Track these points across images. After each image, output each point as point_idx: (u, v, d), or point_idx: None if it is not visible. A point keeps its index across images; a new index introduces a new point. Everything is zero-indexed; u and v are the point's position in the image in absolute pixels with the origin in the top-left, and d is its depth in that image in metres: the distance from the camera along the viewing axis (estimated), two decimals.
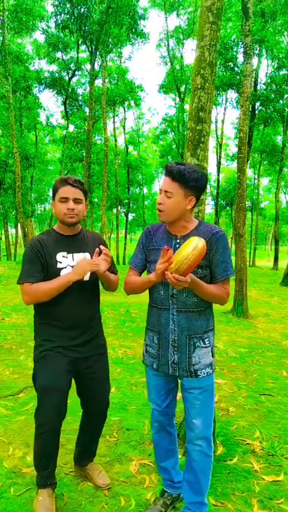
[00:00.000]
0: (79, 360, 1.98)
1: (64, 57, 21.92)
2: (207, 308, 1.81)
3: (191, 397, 1.79)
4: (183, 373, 1.78)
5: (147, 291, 1.88)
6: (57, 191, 1.95)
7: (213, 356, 1.83)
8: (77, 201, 1.94)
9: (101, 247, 1.98)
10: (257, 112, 17.74)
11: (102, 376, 2.08)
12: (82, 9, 14.14)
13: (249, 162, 24.01)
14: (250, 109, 13.92)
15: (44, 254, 1.93)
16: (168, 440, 1.99)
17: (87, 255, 2.01)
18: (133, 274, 1.90)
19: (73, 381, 2.04)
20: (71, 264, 1.96)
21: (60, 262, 1.94)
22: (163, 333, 1.80)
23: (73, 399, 2.18)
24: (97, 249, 1.98)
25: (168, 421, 1.96)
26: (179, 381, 1.87)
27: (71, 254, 1.98)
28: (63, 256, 1.96)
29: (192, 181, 1.66)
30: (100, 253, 1.98)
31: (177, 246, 1.76)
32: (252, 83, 15.87)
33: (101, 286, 2.13)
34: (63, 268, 1.94)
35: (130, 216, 32.50)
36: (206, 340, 1.79)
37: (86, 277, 1.96)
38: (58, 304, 1.93)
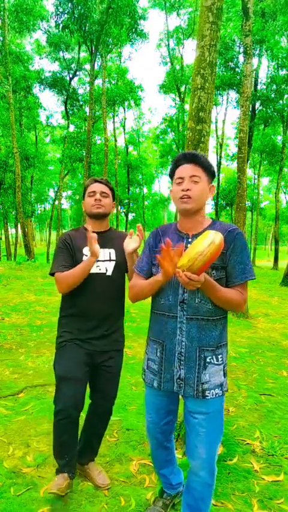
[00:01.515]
0: (96, 353, 2.05)
1: (66, 56, 21.94)
2: (223, 318, 1.62)
3: (195, 423, 1.59)
4: (189, 391, 1.57)
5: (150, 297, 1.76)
6: (87, 189, 2.12)
7: (225, 375, 1.63)
8: (103, 194, 2.08)
9: (139, 225, 2.00)
10: (257, 112, 17.75)
11: (115, 372, 2.14)
12: (82, 9, 14.13)
13: (249, 162, 24.01)
14: (250, 109, 13.92)
15: (72, 246, 2.06)
16: (166, 454, 1.89)
17: (112, 251, 2.10)
18: (138, 278, 1.75)
19: None
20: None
21: (86, 256, 2.03)
22: (168, 344, 1.61)
23: None
24: (131, 230, 2.04)
25: (166, 438, 1.83)
26: (182, 400, 1.71)
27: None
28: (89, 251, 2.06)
29: (211, 168, 1.61)
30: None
31: (188, 246, 1.60)
32: (252, 83, 15.87)
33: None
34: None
35: (130, 216, 32.51)
36: (219, 356, 1.59)
37: (109, 272, 2.06)
38: (79, 297, 2.04)
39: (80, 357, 2.01)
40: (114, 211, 2.19)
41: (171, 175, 1.67)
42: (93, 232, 2.10)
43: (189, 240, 1.62)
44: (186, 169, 1.59)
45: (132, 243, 1.99)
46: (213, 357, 1.57)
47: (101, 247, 2.05)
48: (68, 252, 2.05)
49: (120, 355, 2.18)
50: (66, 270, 2.00)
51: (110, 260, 2.08)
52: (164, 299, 1.63)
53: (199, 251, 1.34)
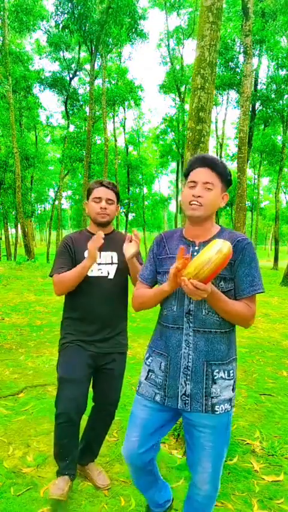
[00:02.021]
0: (98, 355, 2.04)
1: (67, 55, 21.95)
2: (231, 331, 1.52)
3: (199, 436, 1.49)
4: (196, 407, 1.46)
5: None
6: (92, 192, 2.08)
7: (234, 390, 1.53)
8: (109, 201, 2.06)
9: (134, 230, 2.01)
10: (257, 112, 17.75)
11: (117, 374, 2.12)
12: (82, 9, 14.13)
13: (249, 162, 24.00)
14: (250, 109, 13.92)
15: (73, 250, 2.05)
16: (150, 479, 1.69)
17: (114, 254, 2.09)
18: (142, 287, 1.64)
19: None
20: (97, 261, 2.04)
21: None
22: (173, 358, 1.50)
23: None
24: (128, 235, 2.02)
25: (145, 464, 1.60)
26: (183, 415, 1.56)
27: (99, 252, 2.04)
28: None
29: (228, 175, 1.52)
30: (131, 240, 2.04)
31: (194, 254, 1.50)
32: (252, 83, 15.87)
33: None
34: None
35: (130, 216, 32.51)
36: (231, 372, 1.50)
37: (111, 276, 2.05)
38: (81, 300, 2.03)
39: (82, 359, 2.00)
40: (117, 213, 2.18)
41: (186, 177, 1.58)
42: (94, 235, 2.10)
43: (196, 248, 1.52)
44: (201, 174, 1.50)
45: (130, 248, 1.97)
46: (223, 371, 1.48)
47: (103, 250, 2.05)
48: (68, 255, 2.05)
49: (123, 358, 2.16)
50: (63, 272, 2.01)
51: (112, 263, 2.08)
52: (167, 310, 1.53)
53: (206, 259, 1.27)
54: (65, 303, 2.14)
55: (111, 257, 2.08)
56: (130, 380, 3.82)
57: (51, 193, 41.78)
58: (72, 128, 24.75)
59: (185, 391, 1.47)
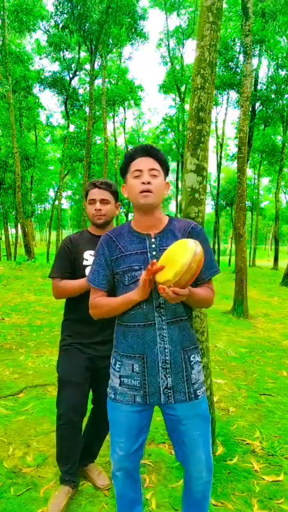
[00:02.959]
0: (97, 358, 2.04)
1: (67, 55, 21.94)
2: (192, 312, 1.59)
3: (188, 430, 1.49)
4: (180, 397, 1.47)
5: None
6: (87, 194, 2.08)
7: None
8: (103, 201, 2.04)
9: None
10: (257, 112, 17.74)
11: None
12: (82, 9, 14.13)
13: (249, 162, 24.02)
14: (250, 109, 13.92)
15: (72, 251, 2.05)
16: (134, 488, 1.63)
17: None
18: (99, 294, 1.56)
19: None
20: None
21: (86, 260, 2.04)
22: (149, 355, 1.46)
23: None
24: None
25: (135, 466, 1.59)
26: (164, 411, 1.55)
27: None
28: (90, 255, 2.04)
29: (167, 164, 1.56)
30: None
31: (153, 246, 1.49)
32: (252, 83, 15.87)
33: None
34: (88, 265, 2.03)
35: (130, 216, 32.48)
36: (199, 354, 1.55)
37: None
38: (81, 302, 2.01)
39: (80, 361, 2.01)
40: (118, 212, 2.15)
41: (125, 170, 1.54)
42: (94, 236, 2.08)
43: (152, 240, 1.50)
44: (144, 162, 1.48)
45: None
46: (196, 354, 1.53)
47: None
48: (67, 257, 2.05)
49: None
50: (65, 277, 2.02)
51: None
52: (135, 309, 1.47)
53: (185, 263, 1.22)
54: (65, 304, 2.15)
55: (96, 249, 2.08)
56: None
57: (51, 193, 41.79)
58: (72, 128, 24.74)
59: (167, 384, 1.46)
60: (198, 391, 1.50)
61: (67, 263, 2.04)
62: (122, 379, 1.53)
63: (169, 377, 1.46)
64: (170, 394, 1.46)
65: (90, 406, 2.21)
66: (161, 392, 1.47)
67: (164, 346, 1.46)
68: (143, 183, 1.46)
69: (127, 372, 1.51)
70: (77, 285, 1.99)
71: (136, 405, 1.50)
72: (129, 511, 1.65)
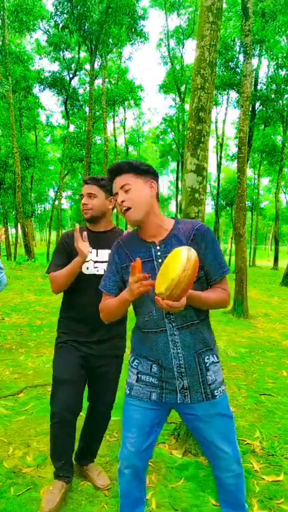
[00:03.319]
0: (91, 357, 2.02)
1: (67, 55, 21.93)
2: (207, 316, 1.57)
3: (209, 427, 1.51)
4: (197, 397, 1.49)
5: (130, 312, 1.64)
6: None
7: (222, 370, 1.59)
8: (90, 195, 2.02)
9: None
10: (257, 112, 17.74)
11: (111, 378, 2.09)
12: (81, 9, 14.13)
13: (249, 162, 24.02)
14: (250, 109, 13.91)
15: (70, 246, 2.03)
16: (139, 488, 1.62)
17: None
18: (108, 299, 1.60)
19: None
20: (93, 259, 2.02)
21: None
22: (163, 360, 1.49)
23: None
24: None
25: (144, 465, 1.59)
26: (184, 412, 1.57)
27: (95, 250, 2.03)
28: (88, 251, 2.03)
29: (141, 166, 1.49)
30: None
31: (158, 254, 1.48)
32: (252, 83, 15.87)
33: None
34: (85, 261, 2.00)
35: None
36: (215, 354, 1.54)
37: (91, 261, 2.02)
38: (77, 299, 2.02)
39: (75, 360, 2.00)
40: (111, 206, 2.08)
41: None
42: (92, 232, 2.07)
43: (157, 247, 1.49)
44: (116, 184, 1.51)
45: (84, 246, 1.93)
46: (212, 355, 1.52)
47: (99, 248, 2.03)
48: (64, 252, 2.05)
49: (119, 361, 2.12)
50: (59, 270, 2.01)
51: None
52: (147, 316, 1.50)
53: (174, 278, 1.22)
54: (62, 302, 2.14)
55: (108, 255, 2.05)
56: None
57: (51, 193, 41.77)
58: (72, 128, 24.73)
59: (183, 385, 1.49)
60: (215, 391, 1.50)
61: (64, 258, 2.03)
62: (139, 375, 1.56)
63: (185, 379, 1.49)
64: (186, 393, 1.49)
65: (86, 404, 2.21)
66: (178, 392, 1.50)
67: (177, 351, 1.47)
68: (119, 204, 1.48)
69: (145, 369, 1.55)
70: (65, 271, 1.96)
71: (151, 403, 1.53)
72: (132, 511, 1.65)
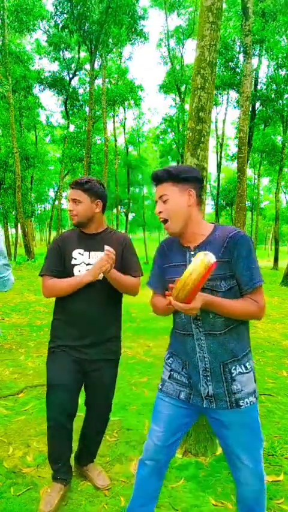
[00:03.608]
0: (85, 362, 1.99)
1: (67, 55, 21.93)
2: (241, 324, 1.51)
3: (233, 435, 1.51)
4: (221, 405, 1.49)
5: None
6: None
7: (255, 381, 1.53)
8: (75, 201, 1.98)
9: (106, 247, 1.82)
10: (257, 112, 17.74)
11: (108, 381, 2.07)
12: (81, 9, 14.13)
13: (249, 162, 24.00)
14: (250, 109, 13.92)
15: (63, 249, 2.00)
16: (156, 486, 1.65)
17: (103, 254, 1.99)
18: (155, 295, 1.67)
19: None
20: (86, 262, 1.98)
21: (75, 259, 1.98)
22: (190, 362, 1.53)
23: None
24: (105, 247, 1.84)
25: (166, 461, 1.62)
26: (212, 416, 1.57)
27: (87, 252, 1.99)
28: (79, 253, 1.99)
29: (181, 174, 1.49)
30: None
31: (191, 259, 1.50)
32: (252, 83, 15.87)
33: None
34: (76, 264, 1.97)
35: (130, 216, 32.53)
36: (247, 364, 1.51)
37: (100, 277, 1.95)
38: (70, 302, 1.98)
39: (68, 365, 1.97)
40: (98, 209, 2.02)
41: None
42: (83, 233, 2.03)
43: (192, 253, 1.52)
44: (156, 192, 1.54)
45: (100, 263, 1.83)
46: (240, 366, 1.49)
47: (92, 250, 1.99)
48: (57, 255, 2.00)
49: (112, 365, 2.08)
50: (54, 275, 1.96)
51: None
52: (178, 317, 1.57)
53: (181, 280, 1.30)
54: (55, 304, 2.09)
55: (100, 260, 1.96)
56: (130, 380, 3.82)
57: (51, 193, 41.78)
58: (72, 128, 24.73)
59: (208, 392, 1.50)
60: (240, 401, 1.47)
61: (57, 261, 1.99)
62: (172, 372, 1.61)
63: (210, 385, 1.49)
64: (212, 400, 1.50)
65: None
66: (203, 398, 1.51)
67: (203, 355, 1.50)
68: (156, 213, 1.55)
69: (177, 368, 1.59)
70: (64, 285, 1.93)
71: (179, 401, 1.57)
72: (142, 506, 1.66)
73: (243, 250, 1.44)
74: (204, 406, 1.52)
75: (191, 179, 1.51)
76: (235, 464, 1.54)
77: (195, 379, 1.52)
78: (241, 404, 1.47)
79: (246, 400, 1.48)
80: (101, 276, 1.93)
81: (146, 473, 1.61)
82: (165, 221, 1.52)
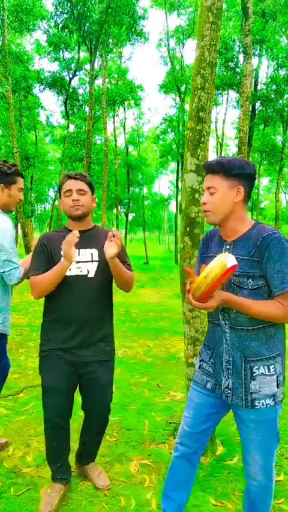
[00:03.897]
0: (79, 364, 1.95)
1: (66, 55, 21.93)
2: (269, 326, 1.49)
3: (248, 431, 1.54)
4: (237, 401, 1.51)
5: None
6: (62, 186, 1.98)
7: (279, 386, 1.50)
8: (80, 192, 1.94)
9: (113, 230, 1.84)
10: (257, 112, 17.74)
11: (103, 383, 2.03)
12: (81, 9, 14.12)
13: None
14: (250, 109, 13.92)
15: (49, 249, 1.95)
16: (188, 473, 1.71)
17: (94, 251, 1.97)
18: None
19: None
20: (76, 260, 1.92)
21: (64, 257, 1.92)
22: (217, 352, 1.59)
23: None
24: (109, 233, 1.83)
25: (197, 448, 1.68)
26: (232, 408, 1.62)
27: (77, 249, 1.93)
28: None
29: (234, 169, 1.47)
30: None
31: (226, 252, 1.53)
32: (252, 83, 15.86)
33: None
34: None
35: (130, 216, 32.50)
36: (271, 366, 1.48)
37: (91, 274, 1.93)
38: (59, 301, 1.93)
39: (61, 368, 1.94)
40: (94, 204, 2.04)
41: None
42: (71, 232, 1.96)
43: (228, 247, 1.54)
44: (205, 181, 1.56)
45: (110, 248, 1.79)
46: (263, 367, 1.48)
47: (82, 248, 1.94)
48: (44, 255, 1.94)
49: (107, 366, 2.04)
50: (40, 274, 1.90)
51: (92, 261, 1.95)
52: None
53: (197, 281, 1.35)
54: (44, 305, 2.03)
55: (91, 254, 1.95)
56: (130, 380, 3.82)
57: (51, 193, 41.76)
58: (72, 128, 24.72)
59: (228, 385, 1.54)
60: (256, 401, 1.48)
61: (45, 261, 1.93)
62: (201, 362, 1.69)
63: (230, 378, 1.54)
64: (229, 394, 1.54)
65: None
66: (223, 390, 1.56)
67: (227, 348, 1.54)
68: (203, 203, 1.56)
69: (205, 358, 1.67)
70: (49, 276, 1.86)
71: (207, 390, 1.63)
72: (173, 490, 1.73)
73: (275, 252, 1.42)
74: (224, 398, 1.56)
75: (243, 176, 1.50)
76: (246, 459, 1.58)
77: (219, 369, 1.57)
78: (256, 404, 1.49)
79: (262, 401, 1.48)
80: (91, 274, 1.92)
81: (176, 458, 1.70)
82: (206, 212, 1.54)
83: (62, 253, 1.87)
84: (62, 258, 1.87)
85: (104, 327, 2.02)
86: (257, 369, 1.48)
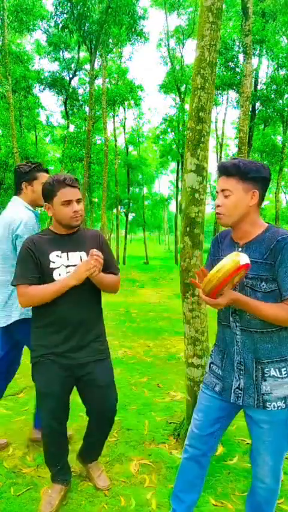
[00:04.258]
0: (75, 367, 1.92)
1: (66, 55, 21.94)
2: (282, 330, 1.49)
3: (260, 432, 1.53)
4: (249, 401, 1.51)
5: None
6: (56, 193, 1.86)
7: None
8: (79, 201, 1.90)
9: (93, 251, 1.79)
10: (257, 112, 17.74)
11: (104, 383, 1.99)
12: (81, 9, 14.12)
13: None
14: (250, 109, 13.92)
15: (37, 254, 1.87)
16: (197, 474, 1.72)
17: (83, 254, 1.93)
18: None
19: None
20: (65, 264, 1.88)
21: (54, 262, 1.88)
22: (228, 353, 1.58)
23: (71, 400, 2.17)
24: (91, 250, 1.81)
25: (206, 451, 1.67)
26: (243, 410, 1.61)
27: (65, 253, 1.90)
28: (57, 256, 1.89)
29: (250, 173, 1.45)
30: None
31: None
32: (252, 83, 15.87)
33: None
34: (56, 268, 1.87)
35: (130, 216, 32.49)
36: (283, 369, 1.48)
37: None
38: (51, 306, 1.87)
39: (55, 373, 1.90)
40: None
41: None
42: (62, 235, 1.94)
43: (239, 249, 1.53)
44: (219, 183, 1.52)
45: (84, 268, 1.78)
46: (275, 370, 1.48)
47: (70, 250, 1.91)
48: (32, 260, 1.85)
49: (105, 365, 2.01)
50: (30, 283, 1.83)
51: None
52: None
53: (208, 276, 1.35)
54: (32, 310, 1.97)
55: (80, 257, 1.92)
56: (130, 380, 3.82)
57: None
58: (72, 128, 24.72)
59: (239, 385, 1.54)
60: (267, 403, 1.48)
61: (33, 267, 1.85)
62: (211, 365, 1.69)
63: (242, 378, 1.54)
64: (240, 394, 1.54)
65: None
66: (232, 391, 1.55)
67: (239, 349, 1.55)
68: (216, 205, 1.52)
69: (216, 360, 1.66)
70: (48, 291, 1.81)
71: (215, 393, 1.63)
72: (183, 491, 1.74)
73: (286, 257, 1.41)
74: (232, 400, 1.55)
75: (259, 179, 1.48)
76: (255, 460, 1.58)
77: (230, 370, 1.57)
78: (267, 406, 1.49)
79: (274, 403, 1.48)
80: None
81: (186, 458, 1.71)
82: (219, 214, 1.53)
83: (51, 257, 1.86)
84: (52, 262, 1.86)
85: (96, 328, 2.00)
86: (268, 370, 1.49)
